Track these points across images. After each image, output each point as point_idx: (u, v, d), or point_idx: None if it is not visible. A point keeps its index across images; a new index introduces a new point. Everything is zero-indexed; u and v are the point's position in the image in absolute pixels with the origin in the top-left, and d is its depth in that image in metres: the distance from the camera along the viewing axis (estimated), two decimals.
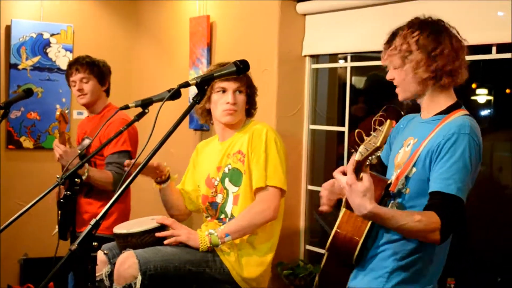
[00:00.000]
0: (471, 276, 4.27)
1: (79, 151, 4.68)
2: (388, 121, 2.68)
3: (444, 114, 2.97)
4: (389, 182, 2.98)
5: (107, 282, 3.86)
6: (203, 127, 5.79)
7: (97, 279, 3.75)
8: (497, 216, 4.40)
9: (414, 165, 2.91)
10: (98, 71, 4.92)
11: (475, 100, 4.76)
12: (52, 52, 6.75)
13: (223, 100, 4.00)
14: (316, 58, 5.23)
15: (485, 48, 4.05)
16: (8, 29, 6.60)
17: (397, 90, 3.06)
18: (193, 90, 5.59)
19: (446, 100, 3.01)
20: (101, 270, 3.86)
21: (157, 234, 3.87)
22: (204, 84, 2.77)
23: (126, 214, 4.87)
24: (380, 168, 3.22)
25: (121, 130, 3.60)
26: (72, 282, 4.70)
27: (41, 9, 6.72)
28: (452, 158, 2.81)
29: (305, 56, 5.21)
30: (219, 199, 4.03)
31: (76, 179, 3.47)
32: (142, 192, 5.80)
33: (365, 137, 2.73)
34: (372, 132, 2.72)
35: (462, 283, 3.58)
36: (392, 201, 2.94)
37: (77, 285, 4.67)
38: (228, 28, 5.70)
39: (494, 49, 3.97)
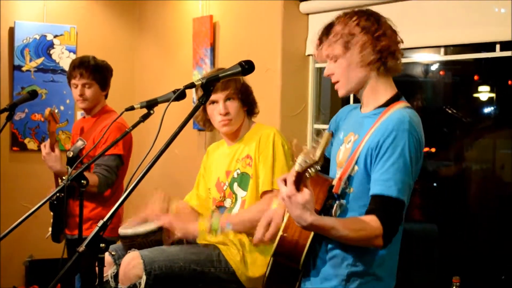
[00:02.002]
0: (476, 274, 4.28)
1: (72, 153, 4.68)
2: (326, 132, 2.62)
3: (384, 107, 2.90)
4: (332, 183, 2.89)
5: (112, 283, 3.86)
6: None
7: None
8: (499, 213, 4.40)
9: (356, 163, 2.85)
10: (101, 77, 4.86)
11: (478, 98, 4.76)
12: (55, 53, 6.76)
13: (216, 112, 3.99)
14: None
15: (488, 46, 4.05)
16: (11, 30, 6.61)
17: (337, 86, 2.95)
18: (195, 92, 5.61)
19: (387, 91, 2.93)
20: (107, 271, 3.86)
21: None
22: (210, 85, 2.77)
23: (118, 217, 4.82)
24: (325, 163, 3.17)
25: (127, 131, 3.62)
26: (79, 284, 4.71)
27: (44, 10, 6.73)
28: (392, 157, 2.75)
29: (308, 55, 5.21)
30: (227, 203, 4.03)
31: (82, 181, 3.49)
32: (144, 194, 5.79)
33: (303, 148, 2.62)
34: (312, 143, 2.63)
35: (467, 281, 3.58)
36: (336, 202, 2.86)
37: (84, 286, 4.68)
38: (231, 28, 5.70)
39: (498, 47, 3.96)
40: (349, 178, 2.86)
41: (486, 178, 4.66)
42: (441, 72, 4.97)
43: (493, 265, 4.27)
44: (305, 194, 2.58)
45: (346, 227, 2.69)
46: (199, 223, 3.87)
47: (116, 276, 3.85)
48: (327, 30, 2.93)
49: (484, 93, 4.76)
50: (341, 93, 2.97)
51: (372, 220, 2.71)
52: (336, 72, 2.93)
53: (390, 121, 2.80)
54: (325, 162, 3.11)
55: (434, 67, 4.92)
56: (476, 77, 4.76)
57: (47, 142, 4.56)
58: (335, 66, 2.92)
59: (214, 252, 3.91)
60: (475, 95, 4.79)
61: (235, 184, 4.01)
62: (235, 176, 4.01)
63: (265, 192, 3.92)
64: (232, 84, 3.94)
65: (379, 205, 2.74)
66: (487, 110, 4.80)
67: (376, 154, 2.78)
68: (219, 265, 3.88)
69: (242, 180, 3.99)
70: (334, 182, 2.89)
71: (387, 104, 2.91)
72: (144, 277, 3.68)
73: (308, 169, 2.55)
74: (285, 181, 2.65)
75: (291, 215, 2.66)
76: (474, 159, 4.74)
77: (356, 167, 2.84)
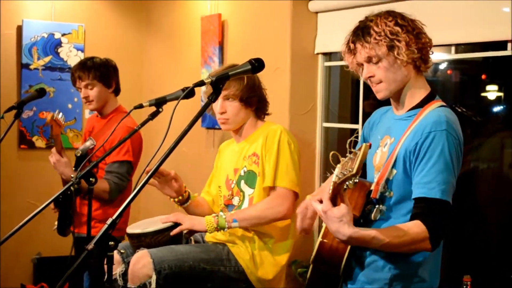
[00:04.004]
0: (486, 273, 4.26)
1: (80, 152, 4.66)
2: (364, 144, 2.54)
3: (419, 108, 2.88)
4: (371, 188, 2.85)
5: (120, 282, 3.86)
6: (216, 126, 5.78)
7: None
8: (508, 212, 4.38)
9: (393, 167, 2.82)
10: (102, 75, 4.81)
11: (485, 97, 4.74)
12: (63, 51, 6.76)
13: (216, 109, 4.00)
14: (328, 55, 5.21)
15: (496, 46, 4.02)
16: (19, 29, 6.61)
17: (379, 87, 2.90)
18: (204, 89, 5.60)
19: (421, 90, 2.91)
20: (115, 269, 3.86)
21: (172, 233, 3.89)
22: (219, 83, 2.75)
23: (124, 217, 4.78)
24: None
25: (135, 129, 3.62)
26: (88, 282, 4.70)
27: (52, 9, 6.72)
28: (432, 159, 2.72)
29: (317, 54, 5.19)
30: (235, 201, 4.02)
31: (91, 179, 3.49)
32: (152, 193, 5.77)
33: (341, 159, 2.60)
34: (348, 154, 2.58)
35: (478, 280, 3.56)
36: (376, 207, 2.84)
37: (92, 284, 4.68)
38: (240, 26, 5.69)
39: (509, 45, 3.94)
40: (388, 182, 2.83)
41: (494, 177, 4.65)
42: (449, 71, 4.95)
43: (503, 264, 4.25)
44: (341, 208, 2.57)
45: (387, 235, 2.66)
46: (205, 219, 3.86)
47: (124, 275, 3.85)
48: (363, 32, 2.87)
49: (492, 92, 4.74)
50: (382, 95, 2.92)
51: (416, 225, 2.68)
52: (377, 73, 2.88)
53: (427, 123, 2.77)
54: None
55: (442, 66, 4.91)
56: (483, 76, 4.75)
57: (54, 150, 4.56)
58: (377, 68, 2.87)
59: (224, 251, 3.90)
60: (483, 94, 4.78)
61: (242, 182, 4.01)
62: (242, 174, 4.01)
63: (271, 189, 3.91)
64: (232, 84, 3.92)
65: (422, 208, 2.72)
66: (496, 109, 4.78)
67: (416, 157, 2.76)
68: (228, 264, 3.87)
69: (249, 178, 3.99)
70: (372, 187, 2.85)
71: (422, 104, 2.89)
72: (154, 277, 3.67)
73: (346, 182, 2.51)
74: (320, 200, 2.63)
75: (329, 230, 2.64)
76: (482, 158, 4.72)
77: (394, 171, 2.82)
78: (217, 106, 3.97)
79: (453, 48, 4.28)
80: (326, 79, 5.23)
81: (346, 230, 2.58)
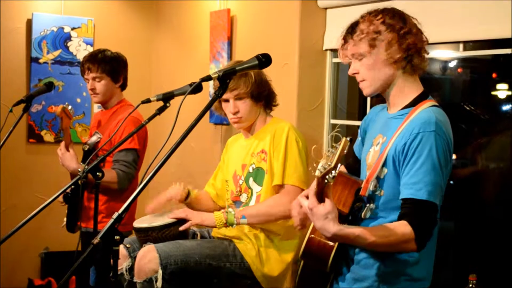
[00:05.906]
0: (492, 272, 4.25)
1: (87, 146, 4.67)
2: (344, 139, 2.56)
3: (411, 107, 2.87)
4: (361, 186, 2.85)
5: (127, 276, 3.88)
6: (224, 121, 5.78)
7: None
8: None
9: (384, 166, 2.82)
10: (111, 69, 4.81)
11: (496, 96, 4.73)
12: (73, 45, 6.76)
13: (228, 110, 4.01)
14: (337, 52, 5.19)
15: (506, 43, 4.01)
16: (29, 22, 6.62)
17: (362, 85, 2.93)
18: (213, 84, 5.60)
19: (413, 90, 2.90)
20: (122, 264, 3.87)
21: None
22: (226, 78, 2.75)
23: (130, 213, 4.78)
24: (356, 165, 3.15)
25: (143, 124, 3.62)
26: (94, 276, 4.71)
27: (62, 2, 6.73)
28: (419, 160, 2.71)
29: (326, 50, 5.18)
30: (243, 198, 4.03)
31: (98, 173, 3.49)
32: (159, 187, 5.77)
33: (324, 153, 2.58)
34: (329, 148, 2.58)
35: (483, 279, 3.55)
36: (367, 206, 2.84)
37: (98, 278, 4.69)
38: (249, 22, 5.69)
39: None
40: (379, 181, 2.83)
41: (502, 176, 4.64)
42: (459, 70, 4.94)
43: (509, 263, 4.24)
44: (327, 205, 2.57)
45: (372, 234, 2.66)
46: (214, 214, 3.87)
47: (131, 269, 3.86)
48: (352, 28, 2.90)
49: (502, 91, 4.73)
50: (366, 92, 2.94)
51: (402, 225, 2.68)
52: (361, 70, 2.91)
53: (416, 123, 2.77)
54: (356, 164, 3.12)
55: (452, 64, 4.90)
56: (494, 75, 4.73)
57: (62, 144, 4.57)
58: (360, 65, 2.90)
59: (230, 247, 3.91)
60: (493, 93, 4.77)
61: (251, 179, 4.01)
62: (251, 170, 4.01)
63: (278, 186, 3.92)
64: (241, 83, 3.94)
65: (409, 209, 2.71)
66: (505, 107, 4.77)
67: (404, 157, 2.76)
68: (234, 259, 3.87)
69: (257, 175, 3.99)
70: (363, 185, 2.86)
71: (414, 103, 2.88)
72: (160, 272, 3.68)
73: (326, 176, 2.51)
74: (306, 196, 2.64)
75: (315, 226, 2.64)
76: (491, 157, 4.71)
77: (385, 170, 2.82)
78: (230, 107, 3.98)
79: (461, 46, 4.26)
80: (334, 76, 5.22)
81: (332, 227, 2.58)
